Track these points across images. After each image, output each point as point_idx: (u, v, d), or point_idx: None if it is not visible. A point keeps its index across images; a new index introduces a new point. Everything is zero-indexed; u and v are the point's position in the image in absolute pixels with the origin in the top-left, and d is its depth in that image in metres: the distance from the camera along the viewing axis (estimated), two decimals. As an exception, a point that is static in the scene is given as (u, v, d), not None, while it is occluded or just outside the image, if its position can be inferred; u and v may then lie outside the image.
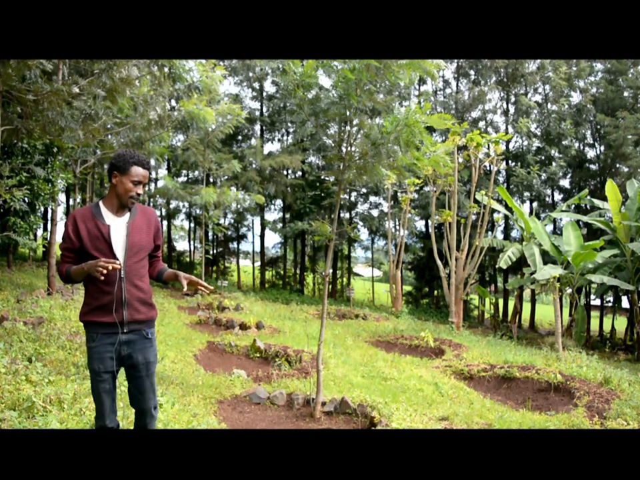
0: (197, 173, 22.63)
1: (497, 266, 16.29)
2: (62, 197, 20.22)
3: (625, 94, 20.09)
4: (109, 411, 2.56)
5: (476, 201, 15.21)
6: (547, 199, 21.76)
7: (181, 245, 30.51)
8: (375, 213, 23.41)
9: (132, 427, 3.14)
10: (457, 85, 22.99)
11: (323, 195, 21.47)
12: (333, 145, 5.65)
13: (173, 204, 22.28)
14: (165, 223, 24.50)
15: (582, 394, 6.37)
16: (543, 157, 20.05)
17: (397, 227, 19.77)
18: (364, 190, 22.46)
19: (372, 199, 23.53)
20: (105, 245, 2.46)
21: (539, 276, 12.91)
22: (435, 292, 23.27)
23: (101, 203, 2.56)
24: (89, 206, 2.58)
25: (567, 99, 20.43)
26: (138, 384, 2.60)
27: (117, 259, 2.45)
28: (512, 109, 21.75)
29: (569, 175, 21.61)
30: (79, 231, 2.46)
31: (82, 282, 2.55)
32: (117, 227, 2.52)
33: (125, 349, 2.53)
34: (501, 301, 22.07)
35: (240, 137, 22.74)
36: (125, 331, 2.52)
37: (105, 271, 2.31)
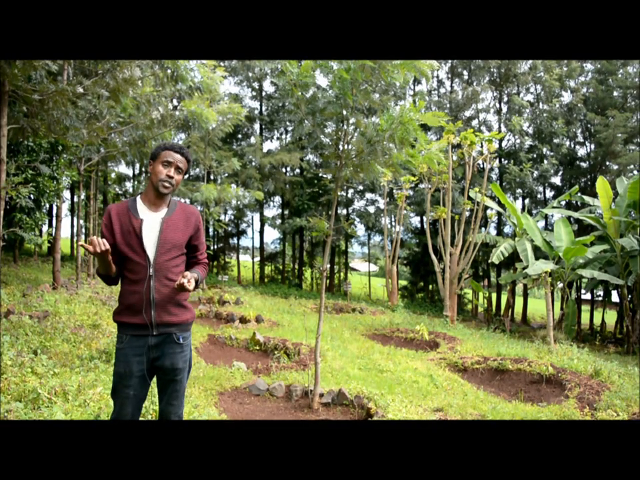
0: (198, 170, 22.64)
1: (490, 261, 16.26)
2: (67, 194, 20.40)
3: (615, 93, 20.31)
4: (129, 417, 2.37)
5: (470, 198, 15.38)
6: (539, 195, 21.88)
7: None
8: (371, 209, 23.65)
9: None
10: (451, 85, 23.12)
11: (320, 191, 21.62)
12: (330, 143, 5.59)
13: (175, 200, 22.43)
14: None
15: (573, 386, 6.39)
16: (535, 155, 20.20)
17: (393, 223, 19.97)
18: (360, 187, 22.57)
19: (368, 195, 23.67)
20: (136, 241, 2.32)
21: (530, 271, 13.00)
22: (430, 286, 23.26)
23: (138, 198, 2.44)
24: (126, 200, 2.45)
25: (558, 99, 20.61)
26: (163, 387, 2.46)
27: (147, 256, 2.33)
28: (505, 108, 21.93)
29: (560, 173, 21.81)
30: (112, 226, 2.34)
31: (116, 277, 2.42)
32: (151, 222, 2.36)
33: (155, 351, 2.37)
34: (494, 295, 22.10)
35: (240, 136, 22.80)
36: (155, 333, 2.35)
37: (97, 248, 2.17)
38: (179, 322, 2.41)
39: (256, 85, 22.48)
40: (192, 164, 21.03)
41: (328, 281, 22.97)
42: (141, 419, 3.45)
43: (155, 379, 2.52)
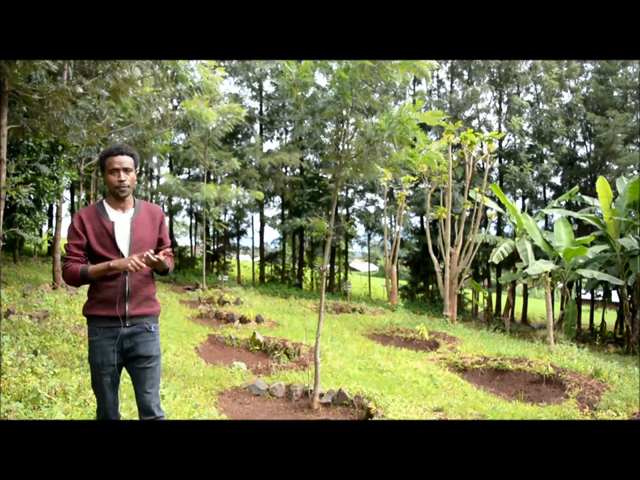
0: (197, 170, 22.67)
1: (490, 261, 16.27)
2: (67, 194, 20.26)
3: (615, 93, 20.30)
4: (111, 404, 2.56)
5: (470, 198, 15.36)
6: (539, 195, 21.84)
7: (183, 241, 30.23)
8: (371, 209, 23.57)
9: (133, 419, 3.17)
10: (451, 85, 23.08)
11: (320, 191, 21.58)
12: (330, 143, 5.62)
13: (175, 200, 22.29)
14: (166, 219, 24.60)
15: (573, 386, 6.40)
16: (535, 155, 20.17)
17: (393, 223, 19.95)
18: (360, 187, 22.52)
19: (368, 195, 23.60)
20: (109, 241, 2.49)
21: (531, 271, 13.00)
22: (430, 286, 23.21)
23: (104, 201, 2.60)
24: (93, 204, 2.60)
25: (558, 99, 20.60)
26: (138, 376, 2.56)
27: (122, 254, 2.50)
28: (505, 108, 21.90)
29: (560, 173, 21.78)
30: (85, 228, 2.49)
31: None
32: (121, 223, 2.54)
33: (128, 342, 2.51)
34: (494, 295, 22.07)
35: (240, 136, 22.76)
36: (127, 324, 2.51)
37: (139, 268, 2.39)
38: (150, 313, 2.60)
39: (256, 85, 22.45)
40: (192, 164, 21.19)
41: (328, 281, 22.96)
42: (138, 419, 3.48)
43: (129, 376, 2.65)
